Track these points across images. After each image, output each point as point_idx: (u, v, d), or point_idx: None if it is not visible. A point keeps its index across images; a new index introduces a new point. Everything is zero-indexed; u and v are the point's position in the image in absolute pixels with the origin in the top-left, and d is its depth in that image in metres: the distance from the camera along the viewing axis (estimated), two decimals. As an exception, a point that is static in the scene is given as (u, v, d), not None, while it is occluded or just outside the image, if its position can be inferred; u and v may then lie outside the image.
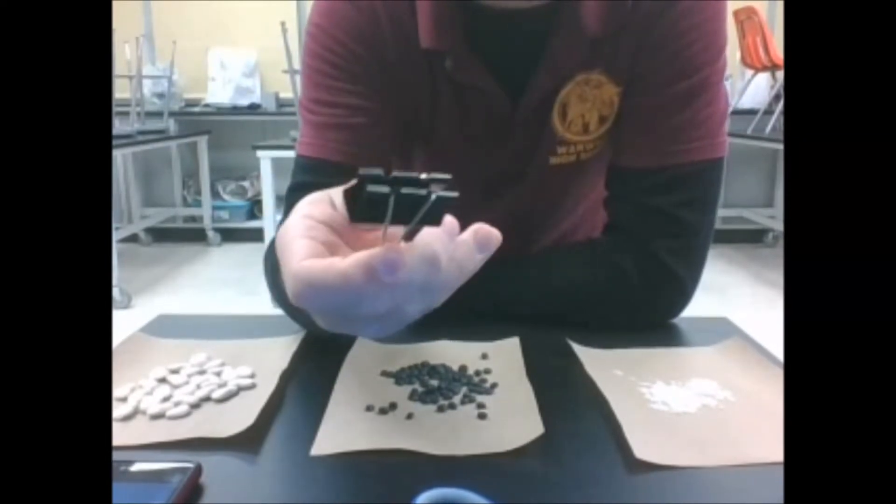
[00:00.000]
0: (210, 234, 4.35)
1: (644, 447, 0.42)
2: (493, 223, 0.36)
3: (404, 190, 0.32)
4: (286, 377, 0.54)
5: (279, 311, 0.65)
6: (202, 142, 4.28)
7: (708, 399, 0.50)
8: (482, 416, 0.48)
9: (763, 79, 3.98)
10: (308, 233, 0.37)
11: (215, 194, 4.45)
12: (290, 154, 0.73)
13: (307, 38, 0.68)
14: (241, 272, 3.65)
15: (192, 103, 4.39)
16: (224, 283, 3.47)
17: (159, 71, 4.18)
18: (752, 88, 3.94)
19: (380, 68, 0.66)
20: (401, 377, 0.54)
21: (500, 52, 0.66)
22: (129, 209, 4.49)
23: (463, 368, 0.55)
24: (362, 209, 0.34)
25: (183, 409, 0.48)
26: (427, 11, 0.64)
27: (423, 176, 0.33)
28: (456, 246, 0.35)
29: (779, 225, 4.17)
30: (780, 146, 3.53)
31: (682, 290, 0.68)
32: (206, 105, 4.34)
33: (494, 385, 0.53)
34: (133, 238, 4.20)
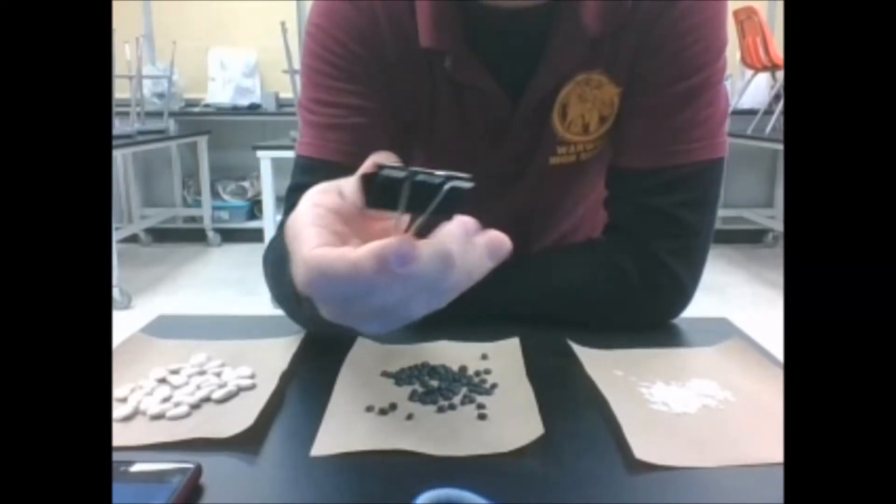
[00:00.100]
0: (210, 234, 4.35)
1: (644, 447, 0.42)
2: (492, 223, 0.36)
3: (419, 177, 0.33)
4: (286, 377, 0.54)
5: (279, 312, 0.65)
6: (202, 142, 4.28)
7: (708, 399, 0.50)
8: (482, 417, 0.48)
9: (763, 79, 3.98)
10: (319, 221, 0.37)
11: (215, 194, 4.45)
12: (290, 154, 0.73)
13: (307, 38, 0.68)
14: (241, 272, 3.65)
15: (192, 103, 4.39)
16: (224, 284, 3.47)
17: (159, 71, 4.18)
18: (752, 88, 3.94)
19: (379, 68, 0.66)
20: (401, 378, 0.54)
21: (500, 52, 0.66)
22: (129, 209, 4.49)
23: (463, 369, 0.55)
24: (377, 195, 0.34)
25: (183, 409, 0.48)
26: (426, 11, 0.64)
27: (440, 172, 0.33)
28: (468, 250, 0.35)
29: (779, 225, 4.17)
30: (780, 146, 3.53)
31: (682, 291, 0.68)
32: (206, 105, 4.34)
33: (494, 385, 0.53)
34: (133, 238, 4.20)
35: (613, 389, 0.51)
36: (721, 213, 3.74)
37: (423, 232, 0.34)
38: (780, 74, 3.74)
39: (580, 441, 0.45)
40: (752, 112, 3.86)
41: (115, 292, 2.99)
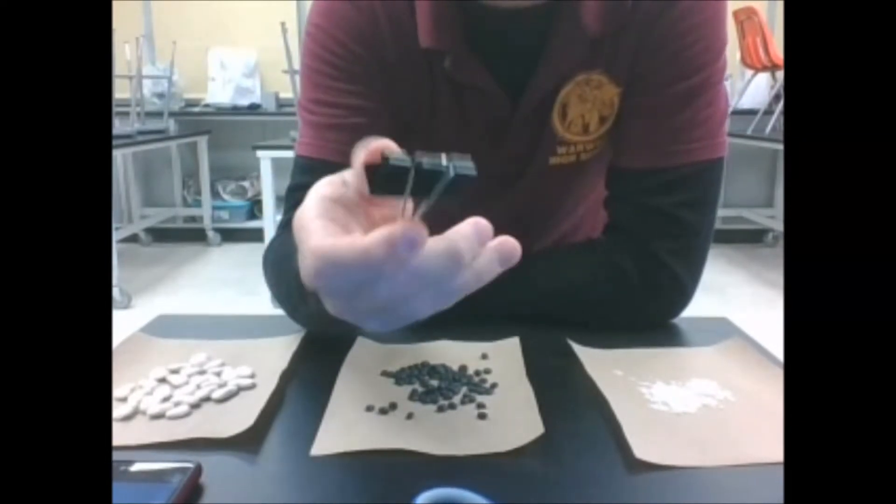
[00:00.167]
0: (210, 234, 4.35)
1: (644, 447, 0.42)
2: (492, 223, 0.36)
3: (425, 163, 0.33)
4: (286, 377, 0.54)
5: (279, 311, 0.65)
6: (202, 142, 4.28)
7: (708, 399, 0.50)
8: (482, 416, 0.48)
9: (763, 79, 3.98)
10: (325, 213, 0.37)
11: (215, 194, 4.45)
12: (290, 154, 0.73)
13: (306, 38, 0.68)
14: (241, 272, 3.65)
15: (192, 103, 4.39)
16: (224, 283, 3.47)
17: (159, 71, 4.18)
18: (752, 88, 3.94)
19: (379, 68, 0.66)
20: (401, 377, 0.54)
21: (500, 52, 0.66)
22: (129, 209, 4.49)
23: (463, 368, 0.55)
24: (382, 182, 0.35)
25: (183, 409, 0.48)
26: (426, 11, 0.64)
27: (445, 156, 0.34)
28: (478, 252, 0.35)
29: (779, 225, 4.17)
30: (780, 146, 3.53)
31: (682, 291, 0.68)
32: (206, 105, 4.34)
33: (494, 385, 0.53)
34: (133, 238, 4.20)
35: (613, 389, 0.51)
36: (721, 213, 3.74)
37: (428, 217, 0.34)
38: (780, 74, 3.74)
39: (580, 441, 0.45)
40: (752, 112, 3.86)
41: (115, 292, 2.99)
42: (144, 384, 0.52)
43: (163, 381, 0.53)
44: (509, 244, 0.36)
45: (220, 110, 4.32)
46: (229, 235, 4.40)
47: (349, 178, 0.39)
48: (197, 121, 4.38)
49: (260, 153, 3.05)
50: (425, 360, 0.57)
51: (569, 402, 0.51)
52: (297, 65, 3.09)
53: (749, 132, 3.70)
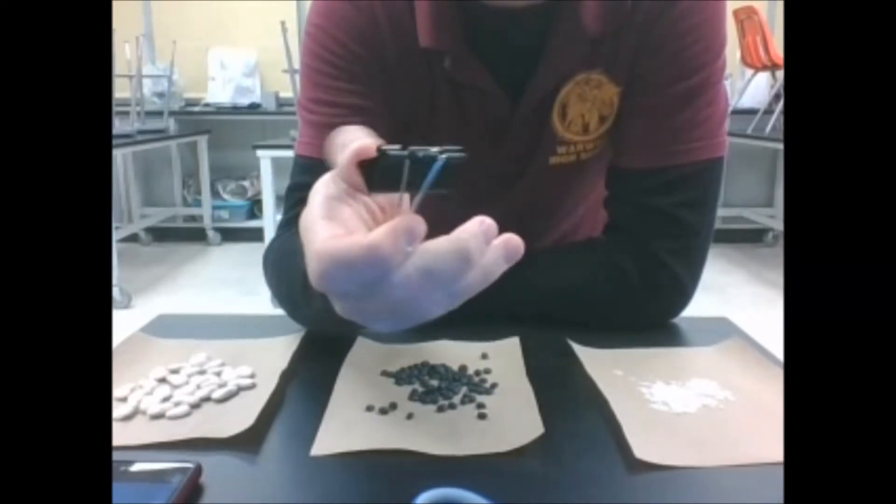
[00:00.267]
0: (210, 233, 4.35)
1: (644, 447, 0.42)
2: None
3: (419, 153, 0.34)
4: (286, 377, 0.54)
5: (279, 312, 0.65)
6: (202, 141, 4.28)
7: (708, 399, 0.50)
8: (482, 416, 0.48)
9: (763, 78, 3.98)
10: (328, 213, 0.37)
11: (215, 194, 4.45)
12: (290, 154, 0.73)
13: (306, 37, 0.68)
14: (241, 272, 3.65)
15: (192, 103, 4.39)
16: (224, 283, 3.47)
17: (159, 71, 4.18)
18: (752, 88, 3.94)
19: (379, 68, 0.66)
20: (401, 377, 0.54)
21: (500, 52, 0.66)
22: (129, 209, 4.49)
23: (463, 368, 0.55)
24: (379, 178, 0.36)
25: (183, 409, 0.48)
26: (426, 11, 0.64)
27: (436, 148, 0.35)
28: (485, 250, 0.35)
29: (779, 225, 4.17)
30: (780, 146, 3.53)
31: (682, 291, 0.68)
32: (206, 105, 4.34)
33: (494, 385, 0.53)
34: (133, 238, 4.20)
35: (613, 389, 0.51)
36: (721, 212, 3.75)
37: (428, 217, 0.34)
38: (780, 74, 3.74)
39: (580, 441, 0.45)
40: (752, 112, 3.86)
41: (115, 292, 2.99)
42: (144, 384, 0.52)
43: (163, 381, 0.53)
44: (514, 241, 0.36)
45: (220, 110, 4.32)
46: (229, 235, 4.40)
47: (339, 174, 0.39)
48: (197, 120, 4.38)
49: (260, 153, 3.05)
50: (425, 360, 0.57)
51: (569, 402, 0.51)
52: (297, 64, 3.09)
53: (749, 132, 3.70)
